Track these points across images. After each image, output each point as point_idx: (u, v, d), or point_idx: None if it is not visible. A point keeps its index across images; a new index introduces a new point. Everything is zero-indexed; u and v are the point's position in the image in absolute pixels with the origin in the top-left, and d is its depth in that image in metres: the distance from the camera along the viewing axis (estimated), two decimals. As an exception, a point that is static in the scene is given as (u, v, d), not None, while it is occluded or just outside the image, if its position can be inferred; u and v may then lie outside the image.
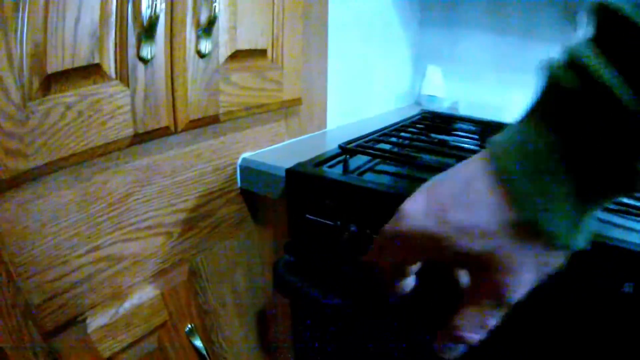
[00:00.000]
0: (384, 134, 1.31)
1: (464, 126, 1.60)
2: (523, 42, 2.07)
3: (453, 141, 1.39)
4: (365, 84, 1.80)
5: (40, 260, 0.78)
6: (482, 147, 1.34)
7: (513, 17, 2.06)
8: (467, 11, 2.15)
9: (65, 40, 0.72)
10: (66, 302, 0.84)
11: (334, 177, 0.99)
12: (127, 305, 0.94)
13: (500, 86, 2.15)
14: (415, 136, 1.39)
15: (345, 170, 1.07)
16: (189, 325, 1.09)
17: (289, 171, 1.04)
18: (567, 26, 1.96)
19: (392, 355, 1.01)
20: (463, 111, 2.10)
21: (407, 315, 0.96)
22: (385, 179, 1.07)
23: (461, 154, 1.17)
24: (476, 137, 1.47)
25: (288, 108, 1.32)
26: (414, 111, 1.86)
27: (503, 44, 2.11)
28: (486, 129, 1.57)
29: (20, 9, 0.65)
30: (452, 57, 2.23)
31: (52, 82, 0.72)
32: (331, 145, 1.20)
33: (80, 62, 0.75)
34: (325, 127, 1.54)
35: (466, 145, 1.33)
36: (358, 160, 1.14)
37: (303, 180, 1.02)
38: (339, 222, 0.98)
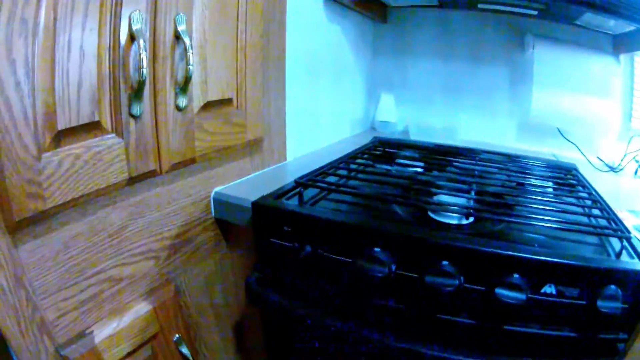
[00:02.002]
0: (335, 166, 1.39)
1: (409, 153, 1.66)
2: (470, 66, 2.11)
3: (395, 170, 1.48)
4: (321, 116, 1.85)
5: (54, 283, 0.87)
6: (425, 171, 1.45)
7: (460, 43, 2.10)
8: (417, 39, 2.18)
9: (71, 101, 0.81)
10: (76, 318, 0.93)
11: (291, 209, 1.10)
12: (126, 319, 1.02)
13: (448, 109, 2.17)
14: (362, 167, 1.47)
15: (301, 201, 1.15)
16: (177, 336, 1.17)
17: (254, 204, 1.12)
18: (514, 48, 2.01)
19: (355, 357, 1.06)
20: (414, 134, 2.13)
21: (362, 321, 1.03)
22: (334, 206, 1.17)
23: (399, 182, 1.29)
24: (419, 164, 1.54)
25: (252, 146, 1.39)
26: (368, 137, 1.90)
27: (451, 68, 2.15)
28: (430, 154, 1.64)
29: (31, 74, 0.74)
30: (404, 83, 2.25)
31: (62, 136, 0.81)
32: (290, 177, 1.27)
33: (84, 119, 0.84)
34: (285, 159, 1.60)
35: (406, 174, 1.42)
36: (313, 191, 1.22)
37: (266, 211, 1.11)
38: (297, 244, 1.06)
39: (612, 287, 0.87)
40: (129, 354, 1.04)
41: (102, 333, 0.97)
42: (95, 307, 0.97)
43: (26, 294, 0.81)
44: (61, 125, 0.80)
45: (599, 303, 0.86)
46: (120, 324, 1.01)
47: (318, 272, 1.08)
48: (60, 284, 0.88)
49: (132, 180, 0.99)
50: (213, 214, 1.29)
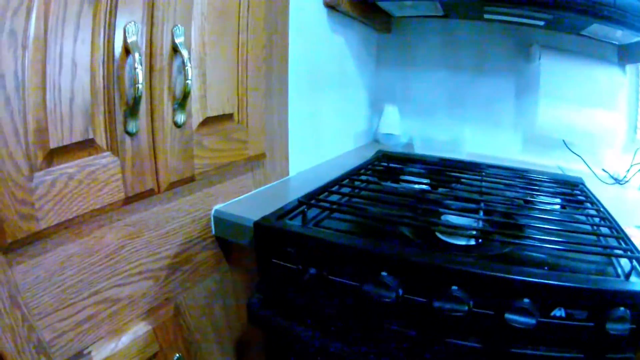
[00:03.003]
0: (339, 184, 1.36)
1: (414, 169, 1.64)
2: (475, 78, 2.09)
3: (401, 188, 1.46)
4: (324, 129, 1.83)
5: (50, 303, 0.85)
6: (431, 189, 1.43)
7: (465, 54, 2.09)
8: (422, 51, 2.17)
9: (63, 117, 0.79)
10: (73, 339, 0.90)
11: (293, 229, 1.08)
12: (125, 339, 1.00)
13: (453, 121, 2.16)
14: (366, 184, 1.45)
15: (304, 221, 1.13)
16: (177, 355, 1.14)
17: (256, 224, 1.10)
18: (520, 58, 2.00)
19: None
20: (418, 147, 2.11)
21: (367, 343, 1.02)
22: (339, 226, 1.14)
23: (405, 201, 1.27)
24: (425, 181, 1.52)
25: (254, 162, 1.37)
26: (372, 150, 1.88)
27: (455, 80, 2.13)
28: (435, 169, 1.63)
29: (21, 88, 0.72)
30: (408, 96, 2.24)
31: (54, 155, 0.79)
32: (293, 193, 1.25)
33: (77, 137, 0.82)
34: (288, 174, 1.58)
35: (412, 192, 1.39)
36: (316, 210, 1.20)
37: (268, 231, 1.09)
38: (300, 266, 1.04)
39: (622, 309, 0.85)
40: (128, 375, 1.02)
41: (100, 354, 0.95)
42: (93, 327, 0.95)
43: (22, 315, 0.79)
44: (53, 143, 0.78)
45: (608, 325, 0.84)
46: (118, 344, 0.99)
47: (322, 295, 1.05)
48: (57, 304, 0.86)
49: (129, 200, 0.96)
50: (213, 232, 1.26)
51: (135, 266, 1.03)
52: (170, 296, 1.15)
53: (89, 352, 0.93)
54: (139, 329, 1.05)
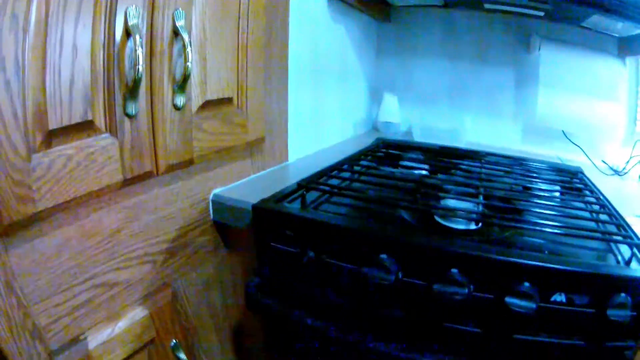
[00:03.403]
0: (338, 168, 1.36)
1: (414, 155, 1.64)
2: (475, 67, 2.09)
3: (400, 173, 1.46)
4: (323, 116, 1.83)
5: (45, 288, 0.83)
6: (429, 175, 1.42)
7: (465, 43, 2.08)
8: (422, 40, 2.16)
9: (63, 100, 0.78)
10: (69, 324, 0.89)
11: (292, 212, 1.07)
12: (121, 324, 0.99)
13: (452, 110, 2.16)
14: (365, 169, 1.45)
15: (303, 204, 1.13)
16: (174, 341, 1.14)
17: (254, 207, 1.09)
18: (520, 49, 1.99)
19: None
20: (418, 136, 2.11)
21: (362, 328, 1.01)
22: (338, 210, 1.14)
23: (404, 185, 1.26)
24: (424, 166, 1.53)
25: (253, 147, 1.37)
26: (371, 138, 1.88)
27: (455, 69, 2.13)
28: (434, 156, 1.63)
29: (21, 71, 0.71)
30: (407, 84, 2.23)
31: (53, 136, 0.77)
32: (292, 178, 1.24)
33: (76, 118, 0.81)
34: (287, 159, 1.57)
35: (412, 177, 1.39)
36: (316, 193, 1.20)
37: (267, 214, 1.08)
38: (298, 249, 1.03)
39: (622, 295, 0.85)
40: (125, 360, 1.01)
41: (96, 339, 0.94)
42: (89, 312, 0.94)
43: (17, 300, 0.78)
44: (52, 124, 0.77)
45: (609, 312, 0.84)
46: (115, 329, 0.98)
47: (321, 278, 1.05)
48: (53, 289, 0.85)
49: (127, 182, 0.95)
50: (212, 217, 1.26)
51: (132, 250, 1.02)
52: (168, 281, 1.14)
53: (85, 338, 0.92)
54: (136, 314, 1.04)
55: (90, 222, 0.91)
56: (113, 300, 0.99)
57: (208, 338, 1.32)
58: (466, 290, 0.89)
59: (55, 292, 0.86)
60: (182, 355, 1.15)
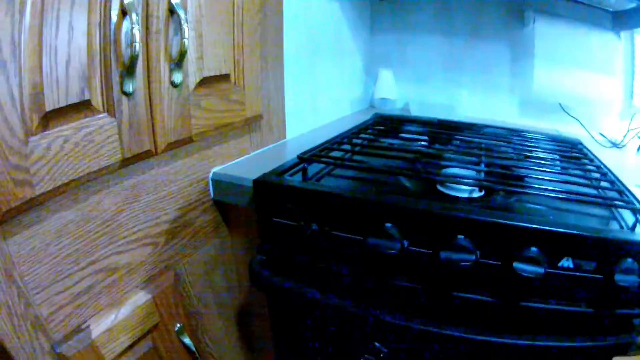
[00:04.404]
0: (338, 142, 1.35)
1: (412, 128, 1.63)
2: (470, 42, 2.07)
3: (400, 144, 1.44)
4: (320, 94, 1.82)
5: (46, 276, 0.81)
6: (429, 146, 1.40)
7: (459, 18, 2.05)
8: (416, 15, 2.13)
9: (59, 81, 0.76)
10: (71, 312, 0.87)
11: (294, 185, 1.05)
12: (124, 310, 0.97)
13: (448, 85, 2.14)
14: (366, 142, 1.43)
15: (304, 177, 1.11)
16: (178, 325, 1.12)
17: (256, 181, 1.07)
18: (515, 23, 1.97)
19: (367, 339, 1.05)
20: (414, 111, 2.11)
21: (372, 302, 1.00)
22: (339, 182, 1.14)
23: (405, 155, 1.25)
24: (424, 137, 1.51)
25: (251, 124, 1.35)
26: (368, 115, 1.87)
27: (450, 45, 2.11)
28: (433, 129, 1.61)
29: (17, 53, 0.69)
30: (403, 60, 2.22)
31: (50, 118, 0.75)
32: (290, 154, 1.23)
33: (73, 99, 0.79)
34: (285, 137, 1.56)
35: (412, 148, 1.38)
36: (316, 167, 1.18)
37: (268, 188, 1.06)
38: (302, 222, 1.02)
39: (629, 260, 0.84)
40: (129, 347, 1.00)
41: (99, 327, 0.92)
42: (91, 299, 0.92)
43: (18, 290, 0.76)
44: (49, 105, 0.75)
45: (617, 277, 0.83)
46: (118, 316, 0.96)
47: (325, 251, 1.03)
48: (53, 276, 0.83)
49: (126, 162, 0.93)
50: (212, 196, 1.24)
51: (133, 232, 1.00)
52: (170, 263, 1.13)
53: (88, 326, 0.91)
54: (139, 299, 1.02)
55: (90, 205, 0.89)
56: (115, 286, 0.97)
57: (212, 320, 1.31)
58: (473, 257, 0.88)
59: (56, 280, 0.84)
60: (187, 340, 1.14)
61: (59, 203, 0.82)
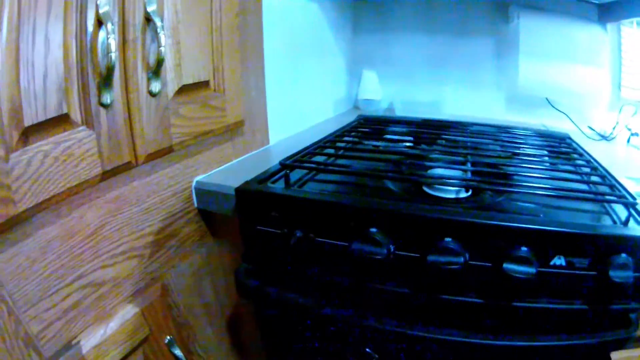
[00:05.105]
0: (320, 146, 1.36)
1: (397, 129, 1.65)
2: (453, 39, 2.09)
3: (384, 146, 1.46)
4: (303, 97, 1.83)
5: (34, 293, 0.82)
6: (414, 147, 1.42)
7: (443, 16, 2.08)
8: (398, 14, 2.16)
9: (37, 95, 0.77)
10: (61, 328, 0.89)
11: (276, 192, 1.07)
12: (113, 325, 0.99)
13: (433, 84, 2.16)
14: (349, 145, 1.45)
15: (287, 184, 1.13)
16: (168, 337, 1.14)
17: (237, 190, 1.09)
18: (499, 19, 1.99)
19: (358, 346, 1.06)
20: (399, 111, 2.13)
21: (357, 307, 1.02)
22: (323, 188, 1.14)
23: (390, 157, 1.27)
24: (409, 138, 1.53)
25: (233, 130, 1.37)
26: (352, 116, 1.88)
27: (434, 43, 2.13)
28: (418, 129, 1.63)
29: None
30: (386, 59, 2.23)
31: (29, 133, 0.77)
32: (274, 160, 1.24)
33: (51, 113, 0.80)
34: (268, 142, 1.58)
35: (397, 149, 1.40)
36: (300, 173, 1.19)
37: (250, 196, 1.08)
38: (285, 230, 1.03)
39: (623, 255, 0.86)
40: (120, 361, 1.02)
41: (89, 342, 0.94)
42: (79, 315, 0.94)
43: (7, 308, 0.77)
44: (28, 121, 0.76)
45: (612, 273, 0.84)
46: (107, 330, 0.98)
47: (311, 258, 1.04)
48: (41, 293, 0.84)
49: (107, 175, 0.95)
50: (196, 205, 1.26)
51: (118, 245, 1.02)
52: (156, 275, 1.14)
53: (78, 342, 0.92)
54: (127, 313, 1.04)
55: (73, 219, 0.90)
56: (102, 300, 0.99)
57: (203, 331, 1.33)
58: (462, 259, 0.89)
59: (44, 297, 0.85)
60: (178, 352, 1.15)
61: (42, 218, 0.83)
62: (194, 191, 1.24)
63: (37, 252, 0.83)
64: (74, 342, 0.92)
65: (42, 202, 0.81)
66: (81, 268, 0.93)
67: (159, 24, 0.98)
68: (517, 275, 0.86)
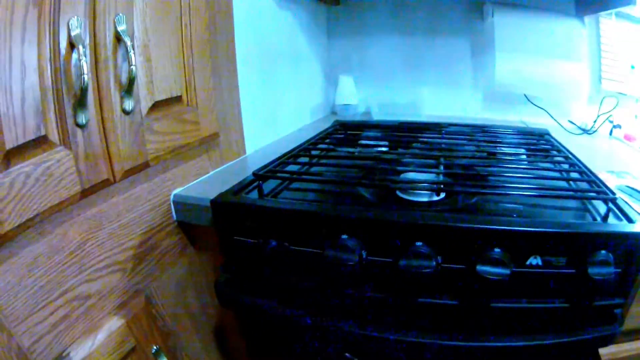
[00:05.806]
0: (294, 155, 1.41)
1: (372, 133, 1.69)
2: (429, 40, 2.15)
3: (359, 152, 1.51)
4: (279, 105, 1.88)
5: (24, 308, 0.88)
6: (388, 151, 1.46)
7: (417, 17, 2.13)
8: (373, 18, 2.21)
9: (16, 119, 0.82)
10: (51, 341, 0.94)
11: (250, 202, 1.12)
12: (100, 337, 1.04)
13: (410, 85, 2.21)
14: (323, 152, 1.50)
15: (260, 194, 1.17)
16: (155, 347, 1.18)
17: (213, 202, 1.14)
18: (473, 17, 2.05)
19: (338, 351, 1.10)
20: (377, 114, 2.16)
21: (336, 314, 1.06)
22: (296, 196, 1.20)
23: (362, 164, 1.32)
24: (384, 143, 1.57)
25: (208, 142, 1.42)
26: (329, 122, 1.92)
27: (409, 44, 2.18)
28: (394, 132, 1.67)
29: None
30: (362, 63, 2.29)
31: (10, 156, 0.82)
32: (250, 170, 1.28)
33: (30, 135, 0.85)
34: (245, 152, 1.63)
35: (370, 155, 1.45)
36: (274, 182, 1.25)
37: (225, 208, 1.13)
38: (260, 240, 1.08)
39: (603, 252, 0.89)
40: (110, 372, 1.07)
41: (78, 354, 0.99)
42: (68, 327, 0.99)
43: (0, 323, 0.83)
44: (9, 144, 0.81)
45: (590, 270, 0.88)
46: (95, 342, 1.03)
47: (286, 266, 1.09)
48: (30, 308, 0.90)
49: (86, 192, 1.00)
50: (175, 218, 1.31)
51: (101, 260, 1.07)
52: (140, 287, 1.19)
53: (68, 354, 0.97)
54: (113, 325, 1.08)
55: (57, 236, 0.95)
56: (89, 313, 1.04)
57: (190, 340, 1.37)
58: (433, 263, 0.93)
59: (34, 311, 0.90)
60: (165, 361, 1.20)
61: (27, 237, 0.89)
62: (172, 204, 1.29)
63: (24, 269, 0.88)
64: (64, 354, 0.97)
65: (26, 221, 0.86)
66: (67, 283, 0.98)
67: (128, 43, 1.03)
68: (491, 277, 0.89)
